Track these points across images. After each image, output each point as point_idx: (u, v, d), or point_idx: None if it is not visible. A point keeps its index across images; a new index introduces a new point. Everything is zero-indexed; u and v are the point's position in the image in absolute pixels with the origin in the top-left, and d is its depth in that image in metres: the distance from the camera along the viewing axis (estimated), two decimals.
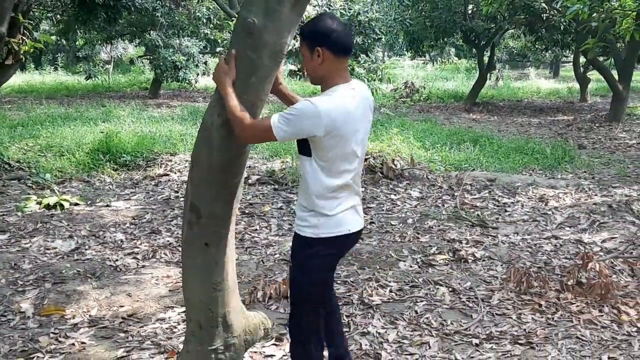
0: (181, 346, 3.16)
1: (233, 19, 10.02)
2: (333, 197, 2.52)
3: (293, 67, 14.34)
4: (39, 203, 6.14)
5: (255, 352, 3.30)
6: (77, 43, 22.08)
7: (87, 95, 17.12)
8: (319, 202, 2.51)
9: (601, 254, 4.98)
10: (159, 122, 11.44)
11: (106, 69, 22.19)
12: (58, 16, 15.43)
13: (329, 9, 12.23)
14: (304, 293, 2.64)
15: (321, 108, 2.34)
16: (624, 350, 3.43)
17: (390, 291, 4.21)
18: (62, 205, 6.14)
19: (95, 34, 17.48)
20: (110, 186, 7.18)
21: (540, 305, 3.95)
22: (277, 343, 3.43)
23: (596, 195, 6.86)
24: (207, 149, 2.58)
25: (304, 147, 2.47)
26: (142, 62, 22.43)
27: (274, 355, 3.29)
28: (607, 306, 3.93)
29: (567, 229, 5.71)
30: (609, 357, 3.34)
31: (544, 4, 13.23)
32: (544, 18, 13.95)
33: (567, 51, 19.74)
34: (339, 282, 4.33)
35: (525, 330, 3.64)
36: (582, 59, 17.68)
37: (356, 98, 2.49)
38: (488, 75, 18.59)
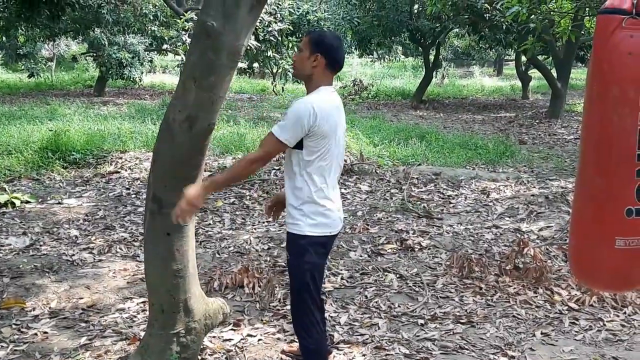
0: (142, 333, 3.28)
1: (181, 16, 10.02)
2: None
3: (243, 65, 14.41)
4: None
5: (214, 336, 3.46)
6: (18, 40, 21.49)
7: (30, 94, 16.77)
8: None
9: (537, 241, 5.32)
10: (107, 120, 11.33)
11: (49, 67, 21.69)
12: None
13: (278, 7, 12.37)
14: None
15: (313, 102, 2.63)
16: (556, 326, 3.73)
17: (342, 278, 4.43)
18: (13, 204, 6.13)
19: (38, 32, 17.09)
20: (61, 184, 7.16)
21: (481, 288, 4.24)
22: (234, 328, 3.60)
23: (534, 187, 7.25)
24: (169, 143, 2.72)
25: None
26: (86, 60, 22.02)
27: (232, 339, 3.46)
28: (541, 288, 4.24)
29: (507, 218, 6.05)
30: (541, 333, 3.63)
31: (486, 4, 13.67)
32: (487, 18, 14.39)
33: (510, 50, 20.38)
34: None
35: (466, 310, 3.91)
36: (523, 58, 18.29)
37: (335, 100, 2.78)
38: (434, 73, 19.05)
